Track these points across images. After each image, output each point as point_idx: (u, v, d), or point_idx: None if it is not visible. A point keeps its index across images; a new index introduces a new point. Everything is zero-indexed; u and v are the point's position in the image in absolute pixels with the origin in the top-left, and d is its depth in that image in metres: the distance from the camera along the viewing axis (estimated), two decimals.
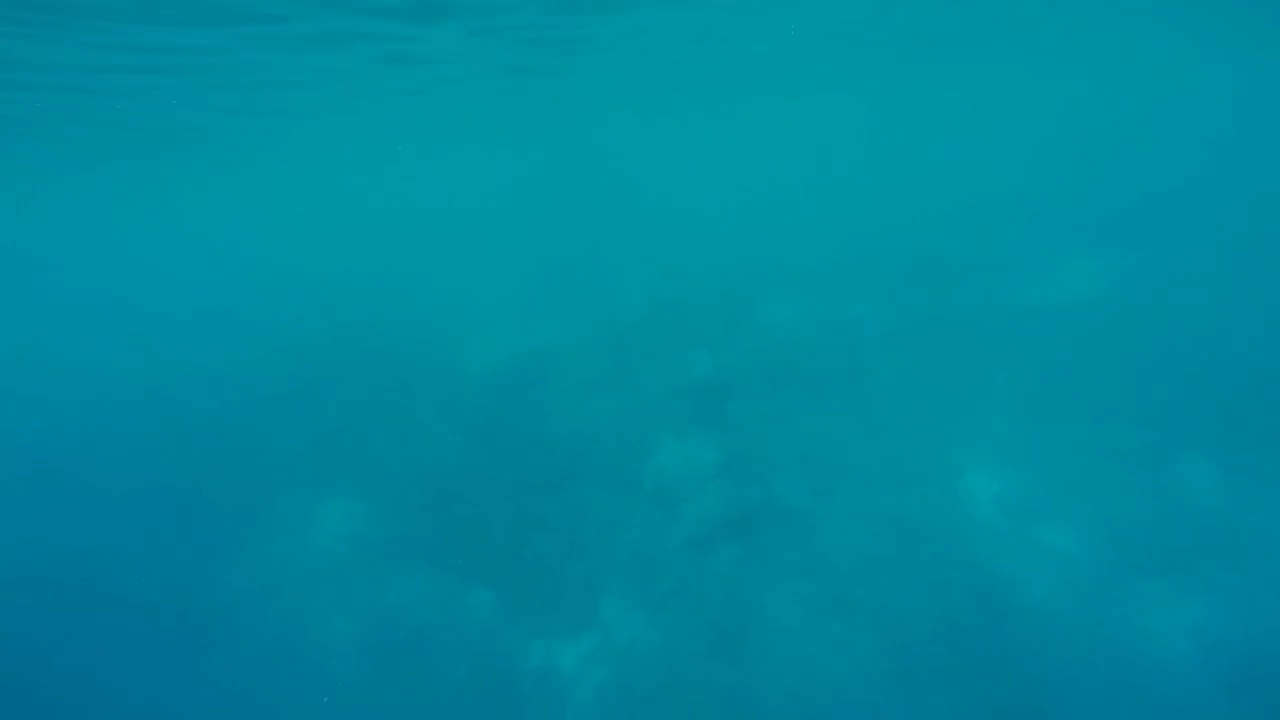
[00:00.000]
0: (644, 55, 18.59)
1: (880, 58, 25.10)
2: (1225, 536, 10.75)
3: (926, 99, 50.14)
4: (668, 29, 16.33)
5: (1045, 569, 10.63)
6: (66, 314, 27.36)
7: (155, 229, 63.71)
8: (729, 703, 10.02)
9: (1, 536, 13.82)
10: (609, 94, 24.20)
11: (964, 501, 12.31)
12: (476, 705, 10.91)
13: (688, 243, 24.04)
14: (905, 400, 14.93)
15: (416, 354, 17.67)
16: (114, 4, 8.26)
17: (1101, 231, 18.42)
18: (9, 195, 27.16)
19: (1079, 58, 35.57)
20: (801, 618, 10.94)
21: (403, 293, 22.92)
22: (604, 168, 60.42)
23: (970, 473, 12.92)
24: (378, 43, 12.88)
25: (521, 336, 17.90)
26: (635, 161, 62.13)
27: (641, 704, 10.43)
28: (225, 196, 48.27)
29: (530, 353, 16.79)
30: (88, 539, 13.54)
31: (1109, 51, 34.47)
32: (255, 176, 37.00)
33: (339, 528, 13.65)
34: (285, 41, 11.14)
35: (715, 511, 12.81)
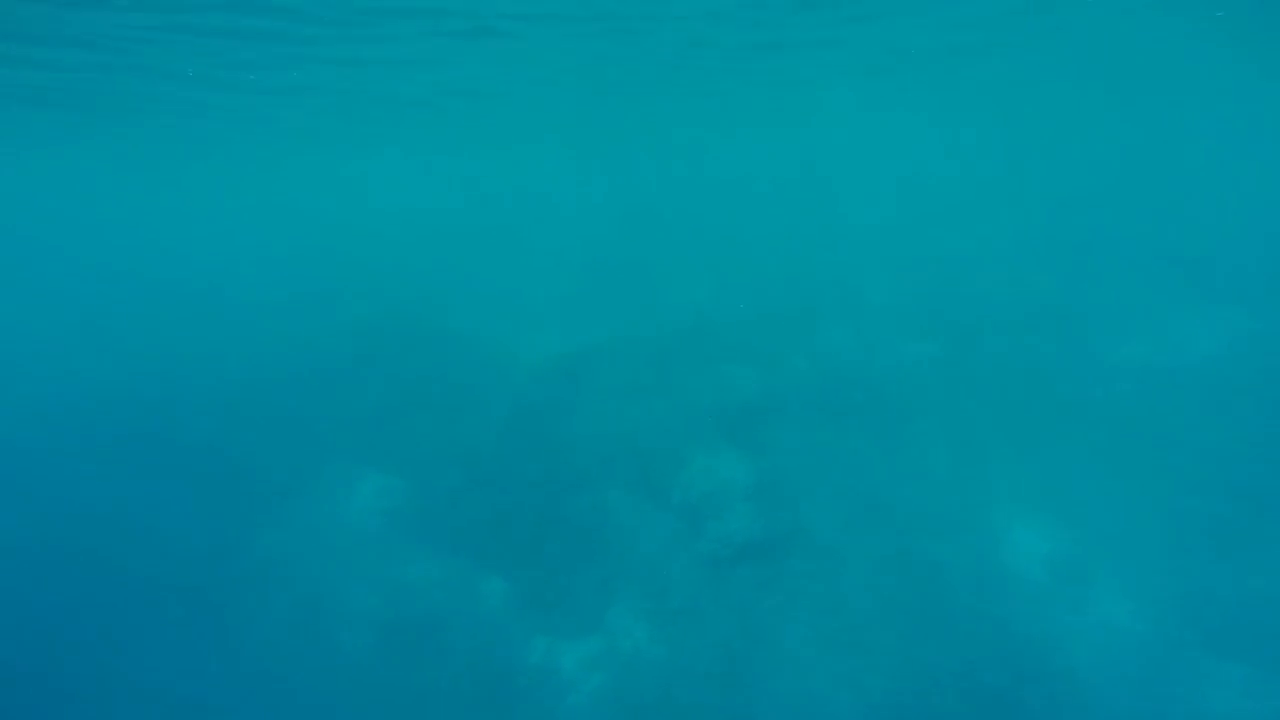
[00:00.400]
0: (721, 66, 18.28)
1: (971, 78, 23.79)
2: None
3: (1025, 125, 46.97)
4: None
5: (1089, 636, 9.58)
6: (125, 287, 28.91)
7: (223, 211, 69.01)
8: None
9: (43, 505, 14.50)
10: (678, 101, 24.13)
11: (1007, 557, 11.35)
12: (473, 693, 10.89)
13: (745, 256, 23.50)
14: (961, 447, 13.97)
15: (465, 343, 18.12)
16: None
17: (1217, 287, 16.57)
18: (85, 168, 29.09)
19: (1201, 98, 32.83)
20: (814, 652, 10.34)
21: (458, 283, 23.58)
22: (665, 175, 60.72)
23: (1020, 528, 11.93)
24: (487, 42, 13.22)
25: (568, 335, 18.05)
26: (698, 170, 62.19)
27: (635, 717, 10.10)
28: (293, 182, 51.69)
29: (575, 352, 16.90)
30: (133, 503, 14.19)
31: (1234, 96, 31.64)
32: (323, 163, 39.48)
33: (372, 502, 14.10)
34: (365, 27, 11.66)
35: (740, 533, 12.38)
